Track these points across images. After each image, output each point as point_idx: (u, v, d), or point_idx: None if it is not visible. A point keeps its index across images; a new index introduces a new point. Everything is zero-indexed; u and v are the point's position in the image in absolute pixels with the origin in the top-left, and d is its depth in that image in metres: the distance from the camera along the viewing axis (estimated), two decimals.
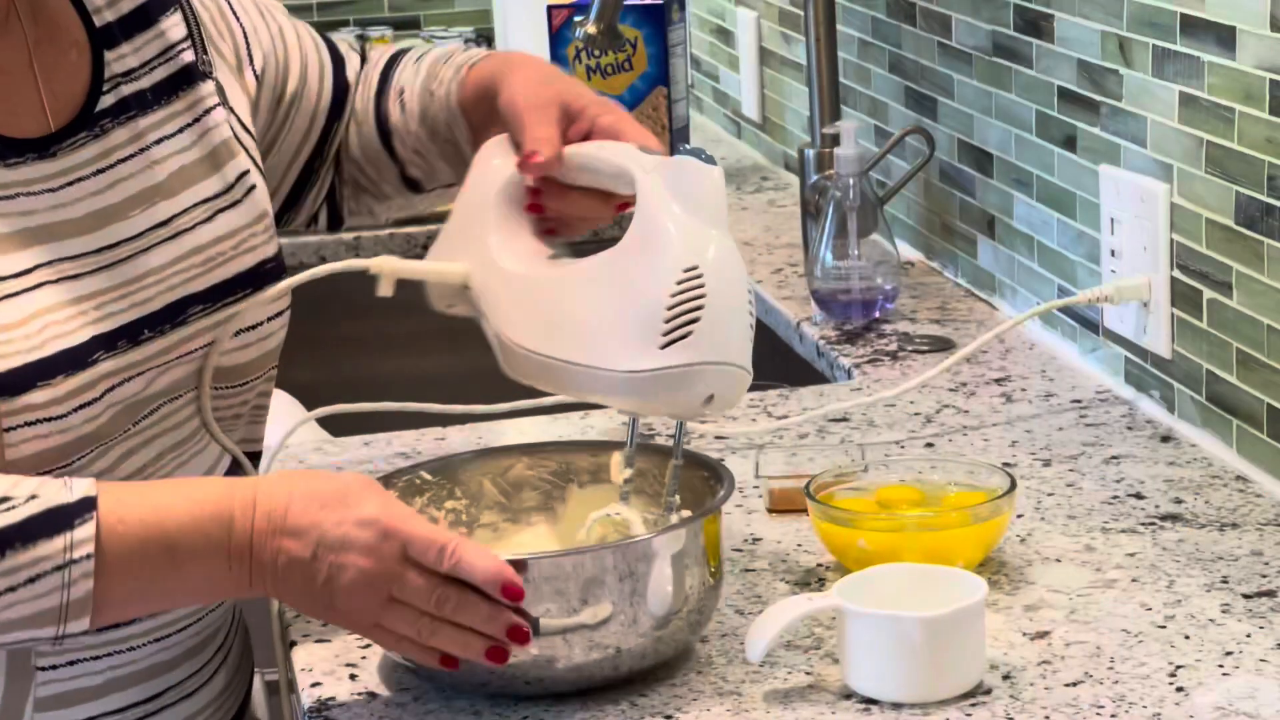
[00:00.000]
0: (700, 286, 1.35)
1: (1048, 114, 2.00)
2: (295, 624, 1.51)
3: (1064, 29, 1.94)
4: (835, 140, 2.23)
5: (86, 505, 1.28)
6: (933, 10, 2.25)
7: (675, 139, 2.87)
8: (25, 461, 1.32)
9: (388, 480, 1.47)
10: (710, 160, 1.38)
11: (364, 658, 1.45)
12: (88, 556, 1.27)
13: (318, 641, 1.48)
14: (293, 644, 1.48)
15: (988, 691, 1.35)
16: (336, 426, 2.00)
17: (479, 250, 1.48)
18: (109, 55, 1.45)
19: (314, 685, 1.42)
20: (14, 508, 1.27)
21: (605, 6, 2.48)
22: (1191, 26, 1.71)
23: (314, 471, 1.37)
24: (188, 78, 1.50)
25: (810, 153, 2.34)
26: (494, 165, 1.51)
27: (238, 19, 1.57)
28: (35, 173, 1.38)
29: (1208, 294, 1.73)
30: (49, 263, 1.36)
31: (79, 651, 1.39)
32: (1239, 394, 1.70)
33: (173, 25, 1.50)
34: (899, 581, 1.38)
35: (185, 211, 1.46)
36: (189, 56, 1.50)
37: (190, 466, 1.45)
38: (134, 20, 1.48)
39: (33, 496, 1.28)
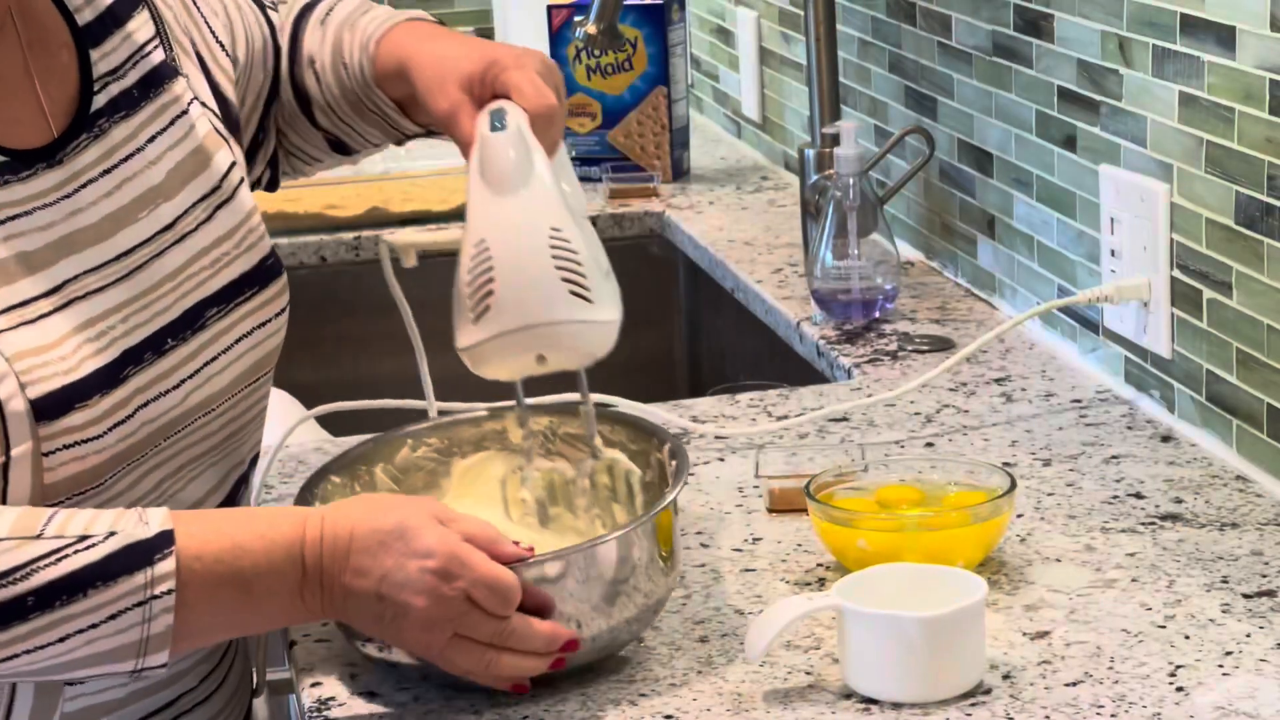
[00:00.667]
0: (487, 260, 1.39)
1: (1048, 114, 2.00)
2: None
3: (1064, 29, 1.94)
4: (835, 140, 2.23)
5: (165, 539, 1.28)
6: (933, 10, 2.25)
7: (675, 139, 2.87)
8: (61, 485, 1.32)
9: (309, 489, 1.50)
10: (500, 125, 1.42)
11: (364, 658, 1.45)
12: (169, 592, 1.27)
13: (318, 641, 1.48)
14: (293, 644, 1.48)
15: (988, 691, 1.35)
16: (336, 426, 2.00)
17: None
18: (94, 54, 1.44)
19: (314, 685, 1.42)
20: (94, 545, 1.27)
21: (605, 6, 2.48)
22: (1191, 26, 1.71)
23: (376, 501, 1.36)
24: (162, 76, 1.49)
25: (810, 153, 2.34)
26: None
27: (197, 8, 1.56)
28: (48, 182, 1.37)
29: (1208, 294, 1.73)
30: (75, 277, 1.36)
31: None
32: (1239, 394, 1.70)
33: (141, 25, 1.48)
34: (899, 581, 1.38)
35: (186, 212, 1.46)
36: (159, 56, 1.49)
37: (205, 478, 1.45)
38: (109, 18, 1.47)
39: (111, 533, 1.27)
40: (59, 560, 1.26)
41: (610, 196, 2.78)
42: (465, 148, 1.46)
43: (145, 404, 1.37)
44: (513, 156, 1.41)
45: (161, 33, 1.50)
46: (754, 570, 1.56)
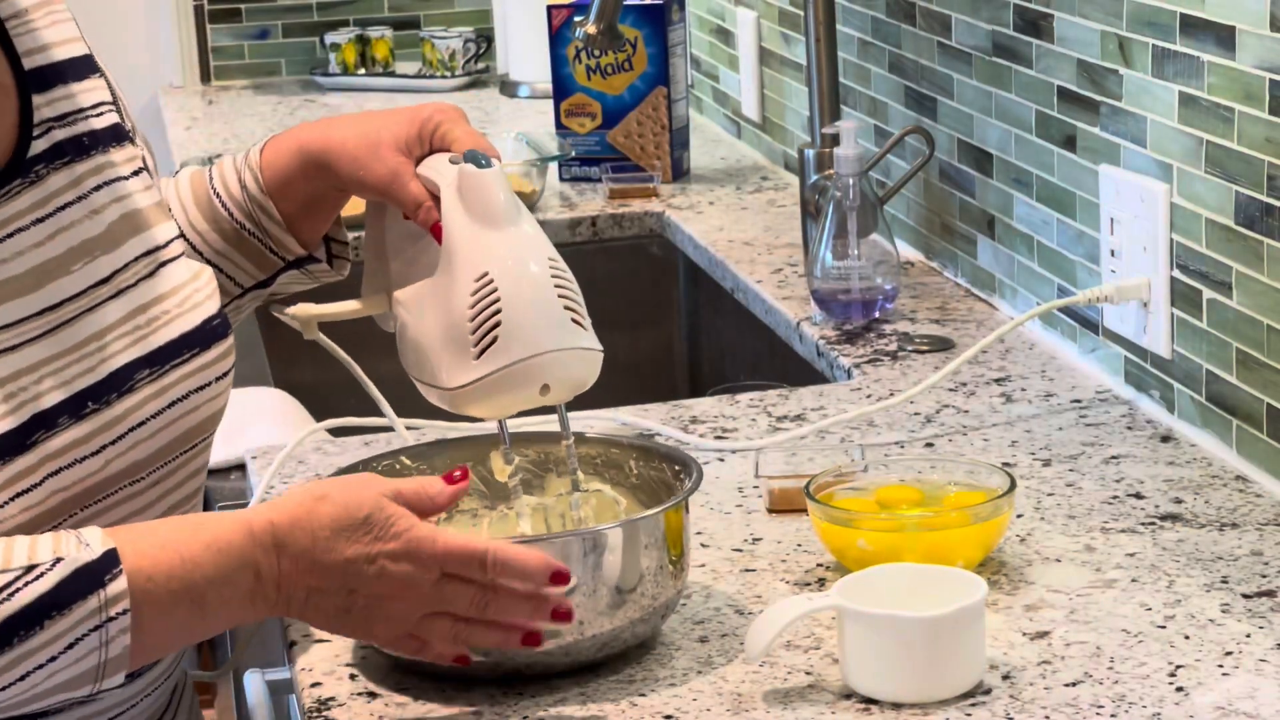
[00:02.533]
0: (493, 292, 1.38)
1: (1048, 114, 2.00)
2: (295, 624, 1.51)
3: (1064, 29, 1.94)
4: (835, 140, 2.23)
5: (111, 559, 1.24)
6: (933, 10, 2.25)
7: (675, 139, 2.87)
8: None
9: (368, 465, 1.50)
10: (486, 163, 1.42)
11: (364, 658, 1.45)
12: (124, 612, 1.24)
13: (318, 641, 1.48)
14: (293, 644, 1.48)
15: (988, 691, 1.35)
16: (337, 428, 2.00)
17: (386, 279, 1.53)
18: (39, 99, 1.37)
19: (314, 685, 1.42)
20: (43, 574, 1.23)
21: (605, 6, 2.48)
22: (1191, 26, 1.71)
23: (327, 492, 1.32)
24: (119, 134, 1.44)
25: (810, 153, 2.34)
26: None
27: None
28: None
29: (1207, 294, 1.73)
30: None
31: None
32: (1239, 394, 1.70)
33: (95, 88, 1.43)
34: (899, 581, 1.38)
35: (127, 266, 1.39)
36: (114, 119, 1.44)
37: None
38: (69, 68, 1.41)
39: (58, 559, 1.23)
40: (11, 595, 1.22)
41: (610, 196, 2.78)
42: (412, 208, 1.45)
43: (57, 471, 1.31)
44: (505, 191, 1.42)
45: (119, 107, 1.46)
46: (754, 570, 1.56)
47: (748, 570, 1.56)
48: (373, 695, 1.40)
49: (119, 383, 1.36)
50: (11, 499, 1.28)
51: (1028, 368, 1.99)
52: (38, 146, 1.36)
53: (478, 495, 1.54)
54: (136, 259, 1.41)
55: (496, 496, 1.53)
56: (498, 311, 1.38)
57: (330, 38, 3.69)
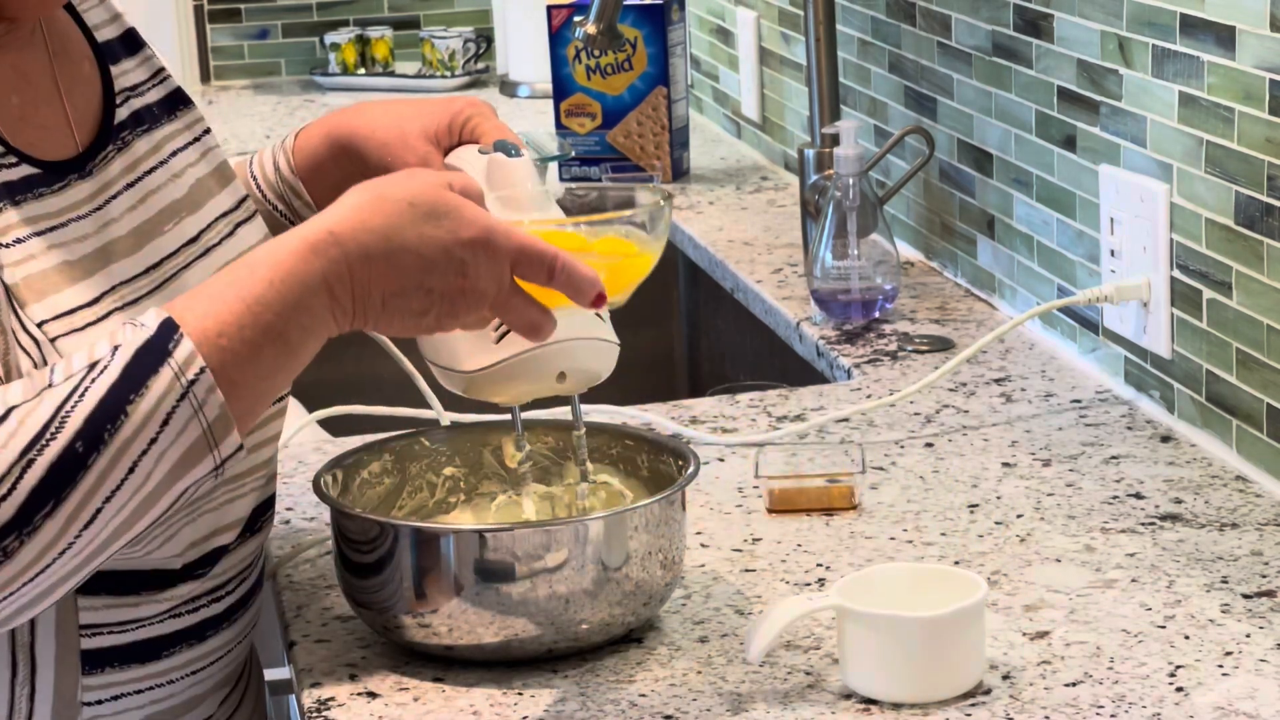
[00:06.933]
0: None
1: (1048, 114, 2.00)
2: (295, 624, 1.51)
3: (1064, 29, 1.94)
4: (835, 140, 2.23)
5: (167, 329, 1.22)
6: (933, 10, 2.25)
7: (675, 139, 2.87)
8: None
9: (383, 444, 1.53)
10: (516, 152, 1.45)
11: (364, 658, 1.45)
12: (201, 371, 1.21)
13: (318, 642, 1.48)
14: (292, 644, 1.48)
15: (987, 691, 1.35)
16: (336, 426, 2.00)
17: None
18: (114, 70, 1.44)
19: (314, 685, 1.42)
20: (106, 367, 1.21)
21: (605, 6, 2.48)
22: (1191, 26, 1.71)
23: (383, 190, 1.28)
24: (182, 98, 1.50)
25: (810, 153, 2.34)
26: None
27: None
28: (80, 194, 1.36)
29: (1207, 294, 1.73)
30: (112, 289, 1.34)
31: (123, 685, 1.37)
32: (1239, 394, 1.70)
33: (154, 55, 1.50)
34: (899, 581, 1.38)
35: (210, 226, 1.45)
36: (176, 83, 1.50)
37: (239, 496, 1.43)
38: (129, 41, 1.48)
39: (115, 348, 1.21)
40: (83, 395, 1.19)
41: None
42: None
43: None
44: (533, 180, 1.44)
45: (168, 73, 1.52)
46: (754, 570, 1.56)
47: (748, 570, 1.56)
48: (373, 695, 1.40)
49: None
50: None
51: (1028, 368, 1.99)
52: (121, 114, 1.43)
53: (496, 479, 1.56)
54: (216, 219, 1.46)
55: (513, 482, 1.54)
56: None
57: (330, 38, 3.69)
